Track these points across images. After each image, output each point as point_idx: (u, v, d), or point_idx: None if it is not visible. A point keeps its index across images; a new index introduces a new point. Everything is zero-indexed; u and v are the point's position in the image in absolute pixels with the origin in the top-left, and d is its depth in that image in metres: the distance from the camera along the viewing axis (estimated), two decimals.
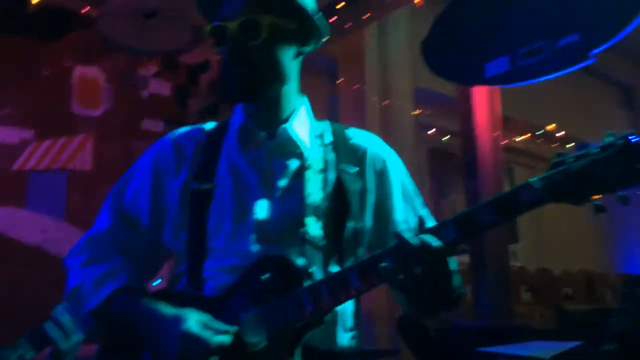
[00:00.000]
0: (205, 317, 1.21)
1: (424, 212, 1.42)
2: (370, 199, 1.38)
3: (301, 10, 1.33)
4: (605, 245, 7.36)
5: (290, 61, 1.35)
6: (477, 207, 1.09)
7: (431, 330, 3.06)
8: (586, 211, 1.06)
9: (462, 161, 4.39)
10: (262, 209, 1.31)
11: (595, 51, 3.01)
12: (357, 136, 1.45)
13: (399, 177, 1.43)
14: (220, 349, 1.16)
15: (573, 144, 6.90)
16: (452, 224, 1.10)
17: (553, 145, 6.84)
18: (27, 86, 4.14)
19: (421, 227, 1.15)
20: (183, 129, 1.47)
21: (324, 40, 1.42)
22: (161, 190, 1.39)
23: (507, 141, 5.69)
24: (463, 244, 1.13)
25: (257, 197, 1.32)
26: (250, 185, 1.33)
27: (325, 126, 1.45)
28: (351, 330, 1.33)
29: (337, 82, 5.08)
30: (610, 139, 1.01)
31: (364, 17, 4.61)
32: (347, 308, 1.33)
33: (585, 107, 7.13)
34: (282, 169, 1.35)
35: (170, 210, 1.37)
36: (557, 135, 6.71)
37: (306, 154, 1.36)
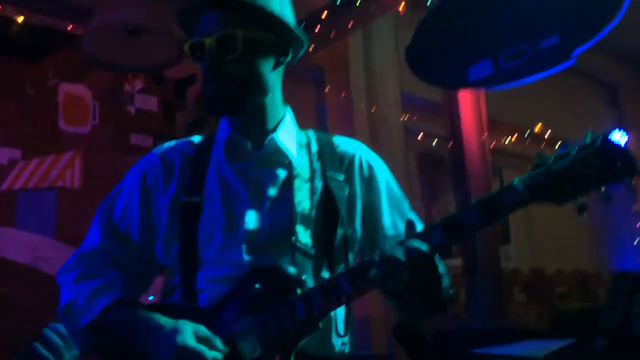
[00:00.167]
0: (200, 330, 1.21)
1: (412, 215, 1.44)
2: (359, 205, 1.40)
3: (278, 22, 1.34)
4: (598, 243, 7.40)
5: (270, 72, 1.36)
6: (463, 210, 1.11)
7: (427, 334, 3.07)
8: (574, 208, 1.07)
9: (451, 165, 4.43)
10: (252, 220, 1.32)
11: (576, 52, 3.05)
12: (343, 144, 1.46)
13: (386, 182, 1.45)
14: None
15: (559, 144, 6.95)
16: (439, 228, 1.12)
17: (541, 146, 6.89)
18: (14, 105, 4.13)
19: (409, 231, 1.16)
20: (170, 143, 1.48)
21: (304, 49, 1.43)
22: (150, 205, 1.40)
23: (495, 143, 5.73)
24: (451, 246, 1.14)
25: (247, 208, 1.33)
26: (239, 196, 1.35)
27: (311, 135, 1.47)
28: (343, 335, 1.34)
29: (325, 90, 5.12)
30: (589, 139, 1.03)
31: (348, 26, 4.65)
32: (338, 314, 1.34)
33: (572, 107, 7.20)
34: (271, 178, 1.36)
35: (160, 224, 1.38)
36: (545, 135, 6.76)
37: (294, 163, 1.37)
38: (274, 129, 1.39)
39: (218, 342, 1.20)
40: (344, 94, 5.03)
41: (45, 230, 4.02)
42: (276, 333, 1.19)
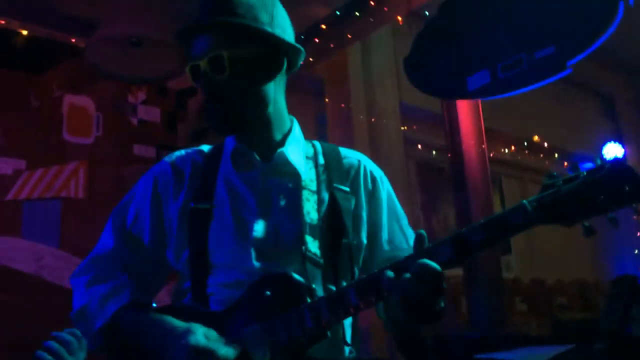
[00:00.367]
0: (211, 331, 1.24)
1: (409, 232, 1.47)
2: (365, 215, 1.43)
3: (265, 36, 1.35)
4: (598, 253, 7.41)
5: (268, 85, 1.38)
6: (472, 228, 1.12)
7: (428, 341, 3.08)
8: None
9: (450, 175, 4.46)
10: (260, 228, 1.35)
11: (572, 62, 3.09)
12: (349, 156, 1.50)
13: (388, 197, 1.48)
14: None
15: (557, 154, 7.00)
16: (448, 244, 1.13)
17: (539, 156, 6.93)
18: (19, 117, 4.17)
19: (418, 246, 1.17)
20: (181, 152, 1.50)
21: (302, 57, 1.44)
22: (161, 211, 1.43)
23: (493, 153, 5.76)
24: (458, 263, 1.15)
25: (255, 217, 1.36)
26: (247, 205, 1.37)
27: (317, 146, 1.50)
28: (350, 344, 1.37)
29: (324, 101, 5.16)
30: (598, 162, 1.05)
31: (347, 37, 4.71)
32: (346, 323, 1.36)
33: (569, 118, 7.24)
34: (279, 189, 1.39)
35: (171, 230, 1.41)
36: (543, 146, 6.80)
37: (302, 175, 1.40)
38: (282, 142, 1.42)
39: (229, 343, 1.22)
40: (343, 104, 5.08)
41: (50, 240, 4.05)
42: (286, 340, 1.21)
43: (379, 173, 1.50)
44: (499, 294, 4.14)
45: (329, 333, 1.23)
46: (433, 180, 6.17)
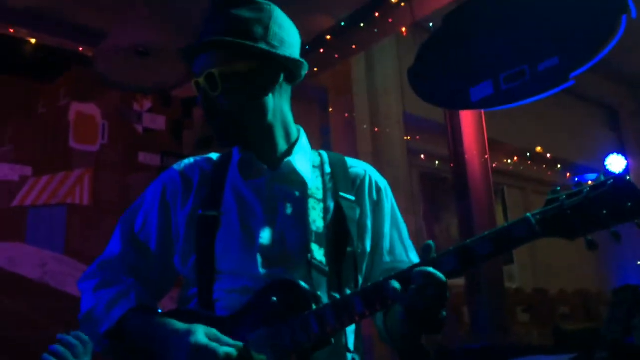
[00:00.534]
0: (212, 330, 1.25)
1: (409, 243, 1.49)
2: (369, 224, 1.45)
3: (256, 51, 1.37)
4: (601, 264, 7.39)
5: (267, 97, 1.40)
6: (476, 240, 1.14)
7: (431, 351, 3.07)
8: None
9: (453, 185, 4.47)
10: (266, 235, 1.36)
11: (575, 73, 3.12)
12: (355, 166, 1.52)
13: (391, 208, 1.51)
14: (228, 359, 1.20)
15: (559, 165, 7.01)
16: (452, 255, 1.15)
17: (542, 167, 6.94)
18: (26, 124, 4.22)
19: (424, 256, 1.19)
20: (189, 160, 1.53)
21: (302, 68, 1.45)
22: (169, 218, 1.45)
23: (496, 164, 5.78)
24: (461, 274, 1.17)
25: (262, 224, 1.38)
26: (254, 212, 1.39)
27: (324, 156, 1.52)
28: (353, 352, 1.38)
29: (328, 111, 5.19)
30: (602, 177, 1.07)
31: (351, 48, 4.75)
32: (349, 330, 1.38)
33: (572, 129, 7.26)
34: (285, 197, 1.41)
35: (178, 237, 1.43)
36: (546, 157, 6.82)
37: (309, 184, 1.42)
38: (289, 151, 1.44)
39: (229, 341, 1.24)
40: (347, 114, 5.10)
41: (55, 246, 4.08)
42: (290, 345, 1.22)
43: (384, 184, 1.53)
44: (501, 303, 4.14)
45: (332, 340, 1.24)
46: (436, 190, 6.19)
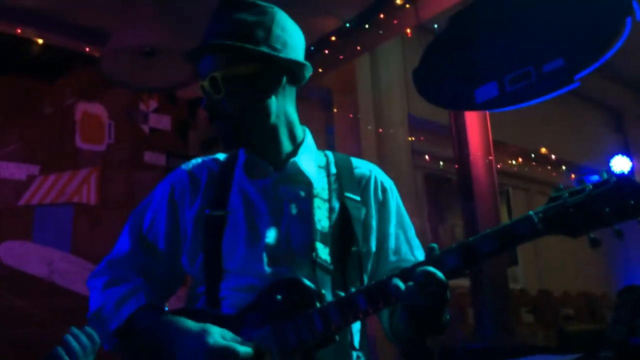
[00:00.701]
0: (226, 332, 1.27)
1: (415, 243, 1.51)
2: (374, 224, 1.46)
3: (257, 54, 1.38)
4: (606, 265, 7.38)
5: (270, 99, 1.41)
6: (479, 237, 1.15)
7: (435, 352, 3.07)
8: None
9: (458, 186, 4.48)
10: (272, 234, 1.38)
11: (580, 75, 3.12)
12: (360, 166, 1.53)
13: (397, 208, 1.52)
14: (248, 358, 1.22)
15: (565, 167, 7.00)
16: (455, 253, 1.16)
17: (547, 168, 6.93)
18: (33, 123, 4.25)
19: (429, 255, 1.20)
20: (197, 160, 1.55)
21: (306, 70, 1.47)
22: (177, 218, 1.46)
23: (501, 165, 5.77)
24: (464, 271, 1.19)
25: (267, 223, 1.39)
26: (260, 212, 1.41)
27: (330, 156, 1.53)
28: (358, 350, 1.39)
29: (333, 111, 5.20)
30: (605, 176, 1.08)
31: (355, 49, 4.76)
32: (354, 328, 1.39)
33: (577, 131, 7.25)
34: (291, 197, 1.43)
35: (186, 236, 1.44)
36: (550, 158, 6.81)
37: (314, 184, 1.44)
38: (295, 152, 1.46)
39: (246, 342, 1.26)
40: (351, 115, 5.11)
41: (61, 245, 4.10)
42: (295, 343, 1.24)
43: (389, 184, 1.54)
44: (506, 304, 4.14)
45: (337, 337, 1.25)
46: (440, 191, 6.19)
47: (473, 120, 4.32)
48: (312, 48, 4.37)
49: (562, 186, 1.13)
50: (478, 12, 3.77)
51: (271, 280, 1.32)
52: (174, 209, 1.47)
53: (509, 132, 5.78)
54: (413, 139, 5.33)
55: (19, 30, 4.07)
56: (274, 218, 1.40)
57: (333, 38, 4.52)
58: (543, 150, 6.61)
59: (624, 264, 7.09)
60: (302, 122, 1.53)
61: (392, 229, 1.49)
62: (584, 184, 1.09)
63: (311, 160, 1.47)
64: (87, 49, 4.30)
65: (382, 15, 4.33)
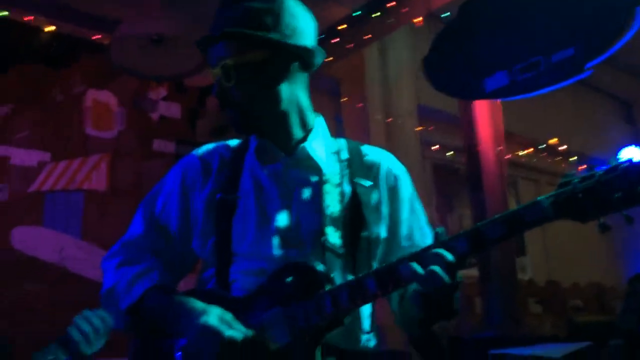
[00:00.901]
0: (226, 314, 1.30)
1: (427, 229, 1.51)
2: (385, 211, 1.47)
3: (266, 40, 1.39)
4: (615, 256, 7.36)
5: (280, 85, 1.41)
6: (488, 222, 1.15)
7: (444, 341, 3.09)
8: (593, 224, 1.10)
9: (467, 176, 4.46)
10: (282, 218, 1.40)
11: (590, 64, 3.10)
12: (372, 153, 1.54)
13: (409, 194, 1.52)
14: (232, 342, 1.24)
15: (575, 157, 6.97)
16: (463, 238, 1.16)
17: (556, 159, 6.90)
18: (43, 110, 4.28)
19: (436, 240, 1.21)
20: (209, 146, 1.57)
21: (320, 57, 1.47)
22: (188, 202, 1.48)
23: (510, 156, 5.75)
24: (472, 258, 1.19)
25: (278, 208, 1.41)
26: (271, 197, 1.42)
27: (342, 143, 1.54)
28: (368, 332, 1.41)
29: (341, 101, 5.18)
30: (614, 162, 1.08)
31: (365, 38, 4.73)
32: (364, 311, 1.41)
33: (587, 122, 7.21)
34: (301, 181, 1.44)
35: (197, 220, 1.46)
36: (560, 149, 6.78)
37: (324, 169, 1.45)
38: (304, 138, 1.47)
39: (239, 326, 1.28)
40: (359, 105, 5.10)
41: (72, 231, 4.14)
42: (304, 325, 1.25)
43: (401, 170, 1.54)
44: (514, 294, 4.14)
45: (346, 320, 1.26)
46: (448, 181, 6.18)
47: (483, 110, 4.30)
48: (321, 36, 4.35)
49: (572, 172, 1.13)
50: (488, 1, 3.75)
51: (281, 263, 1.33)
52: (185, 194, 1.49)
53: (518, 122, 5.75)
54: (422, 128, 5.32)
55: (31, 18, 4.08)
56: (284, 202, 1.41)
57: (342, 27, 4.50)
58: (553, 140, 6.58)
59: (634, 255, 7.06)
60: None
61: (405, 215, 1.50)
62: (593, 171, 1.09)
63: (322, 146, 1.48)
64: (97, 37, 4.31)
65: (392, 4, 4.30)
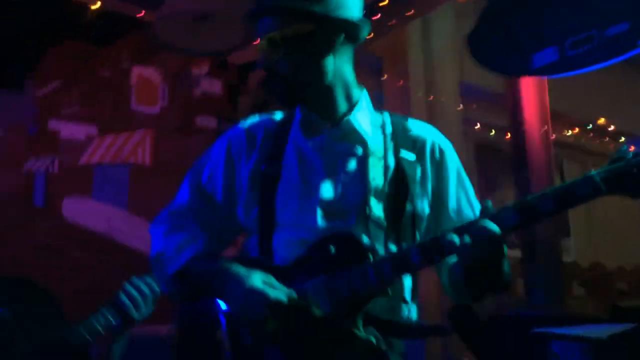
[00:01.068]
0: (270, 277, 1.33)
1: (476, 203, 1.50)
2: (429, 185, 1.47)
3: (315, 15, 1.39)
4: None
5: (325, 59, 1.42)
6: (538, 196, 1.14)
7: (483, 320, 3.06)
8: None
9: (510, 156, 4.38)
10: (326, 189, 1.41)
11: None
12: (417, 127, 1.53)
13: (456, 168, 1.51)
14: (277, 303, 1.27)
15: (623, 138, 6.74)
16: (513, 210, 1.16)
17: (604, 140, 6.69)
18: (91, 86, 4.41)
19: (484, 212, 1.20)
20: (254, 118, 1.59)
21: (365, 31, 1.47)
22: (234, 172, 1.52)
23: (556, 135, 5.61)
24: (521, 229, 1.17)
25: (322, 179, 1.42)
26: (314, 168, 1.44)
27: (386, 117, 1.54)
28: (410, 302, 1.42)
29: (382, 78, 5.14)
30: None
31: (407, 14, 4.65)
32: (406, 282, 1.41)
33: (636, 101, 6.94)
34: (346, 154, 1.45)
35: (241, 190, 1.49)
36: (609, 129, 6.56)
37: (369, 142, 1.45)
38: (350, 111, 1.47)
39: (284, 288, 1.30)
40: (401, 82, 5.04)
41: (119, 203, 4.29)
42: (347, 293, 1.26)
43: (447, 145, 1.53)
44: (557, 276, 4.07)
45: (389, 290, 1.27)
46: (491, 161, 6.08)
47: (529, 88, 4.19)
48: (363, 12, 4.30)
49: (625, 147, 1.12)
50: None
51: (324, 234, 1.34)
52: (231, 165, 1.52)
53: (565, 101, 5.58)
54: (464, 107, 5.23)
55: None
56: (328, 174, 1.42)
57: (383, 3, 4.43)
58: (601, 120, 6.38)
59: None
60: None
61: (453, 189, 1.49)
62: None
63: (367, 119, 1.49)
64: (141, 14, 4.36)
65: None
